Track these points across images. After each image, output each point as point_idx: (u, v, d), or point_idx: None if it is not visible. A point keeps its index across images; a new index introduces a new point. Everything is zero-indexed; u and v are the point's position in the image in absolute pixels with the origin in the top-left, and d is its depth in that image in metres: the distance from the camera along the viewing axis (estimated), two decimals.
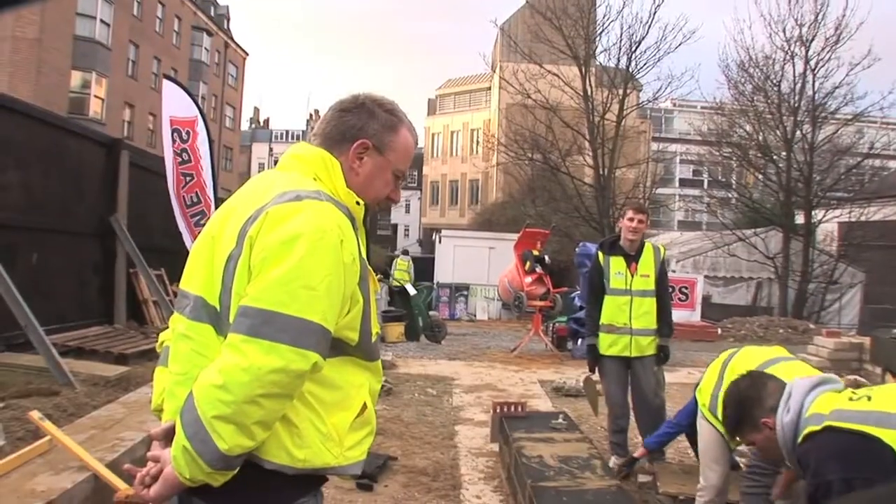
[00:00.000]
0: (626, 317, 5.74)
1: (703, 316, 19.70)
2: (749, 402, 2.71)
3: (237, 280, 1.70)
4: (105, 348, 8.48)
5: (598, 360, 5.92)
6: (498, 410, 5.88)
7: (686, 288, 19.56)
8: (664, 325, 5.88)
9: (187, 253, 1.90)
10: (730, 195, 26.54)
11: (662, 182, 39.70)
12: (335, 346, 1.75)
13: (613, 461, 5.80)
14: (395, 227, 61.34)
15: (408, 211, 60.65)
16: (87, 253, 10.03)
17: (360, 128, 1.94)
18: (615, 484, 4.25)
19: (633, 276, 5.78)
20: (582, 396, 8.45)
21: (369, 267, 1.91)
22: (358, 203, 1.90)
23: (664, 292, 5.92)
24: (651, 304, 5.79)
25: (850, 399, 2.40)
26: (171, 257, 11.77)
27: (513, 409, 5.81)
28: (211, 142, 12.79)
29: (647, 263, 5.81)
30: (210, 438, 1.59)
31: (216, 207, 12.17)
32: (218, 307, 1.74)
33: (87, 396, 6.44)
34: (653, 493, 5.27)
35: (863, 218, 22.65)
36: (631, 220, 5.77)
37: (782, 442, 2.51)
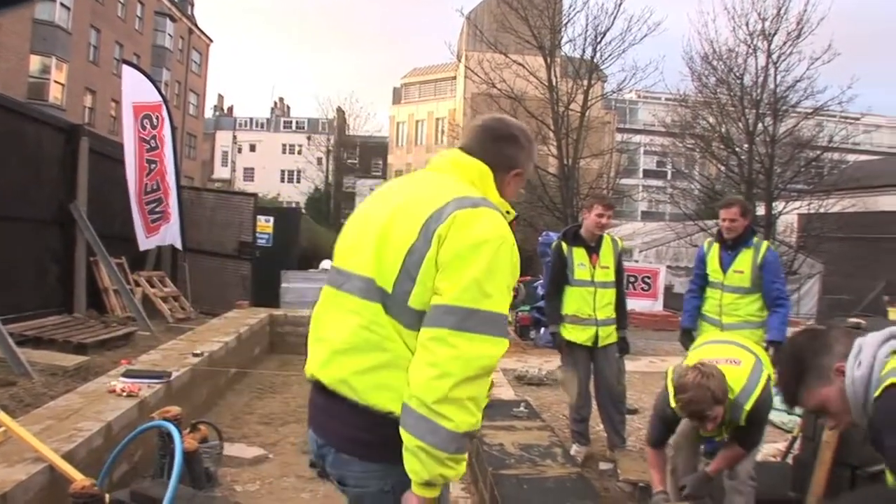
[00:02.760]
0: (591, 308, 5.77)
1: (666, 306, 19.85)
2: (813, 350, 2.31)
3: (423, 271, 1.97)
4: (64, 338, 8.37)
5: (563, 346, 5.94)
6: None
7: (648, 278, 19.68)
8: (622, 316, 5.95)
9: None
10: (693, 186, 26.77)
11: (626, 172, 40.00)
12: None
13: (575, 449, 5.85)
14: None
15: None
16: (45, 241, 9.88)
17: (515, 158, 2.26)
18: (575, 471, 4.29)
19: (595, 267, 5.82)
20: (545, 385, 8.52)
21: None
22: (507, 213, 2.17)
23: (621, 284, 6.00)
24: (612, 295, 5.85)
25: None
26: (132, 245, 11.66)
27: None
28: (174, 128, 12.69)
29: (606, 255, 5.85)
30: (437, 424, 1.87)
31: (178, 195, 12.13)
32: (390, 290, 2.00)
33: (45, 387, 6.36)
34: (613, 480, 5.33)
35: (822, 210, 22.99)
36: (601, 215, 5.77)
37: (853, 398, 2.19)
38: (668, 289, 21.30)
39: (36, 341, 8.23)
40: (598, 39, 22.03)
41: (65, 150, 10.19)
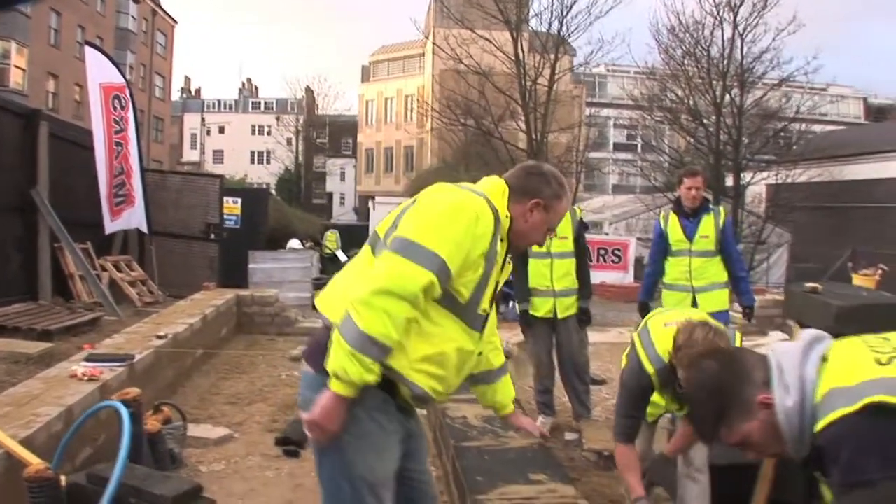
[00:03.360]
0: (548, 279, 5.80)
1: (636, 277, 19.98)
2: (733, 382, 1.98)
3: (402, 219, 2.34)
4: (28, 325, 8.31)
5: (530, 324, 5.98)
6: None
7: (619, 250, 19.83)
8: (584, 286, 5.93)
9: None
10: (661, 159, 26.93)
11: (596, 146, 40.07)
12: (448, 299, 2.32)
13: (541, 420, 5.88)
14: (330, 195, 60.87)
15: (343, 179, 60.24)
16: (6, 228, 9.78)
17: (537, 188, 2.50)
18: (537, 442, 4.32)
19: (551, 238, 5.81)
20: (514, 359, 8.56)
21: (498, 260, 2.46)
22: (506, 216, 2.45)
23: (582, 254, 5.97)
24: (570, 265, 5.85)
25: (879, 364, 1.80)
26: (98, 230, 11.55)
27: None
28: (136, 110, 12.56)
29: (564, 226, 5.78)
30: (352, 319, 2.17)
31: (141, 178, 12.02)
32: (381, 236, 2.39)
33: (7, 374, 6.32)
34: (578, 450, 5.38)
35: (789, 180, 23.23)
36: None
37: (787, 430, 1.87)
38: (639, 260, 21.41)
39: (0, 329, 8.16)
40: (565, 13, 22.07)
41: (24, 135, 10.05)
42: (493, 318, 2.69)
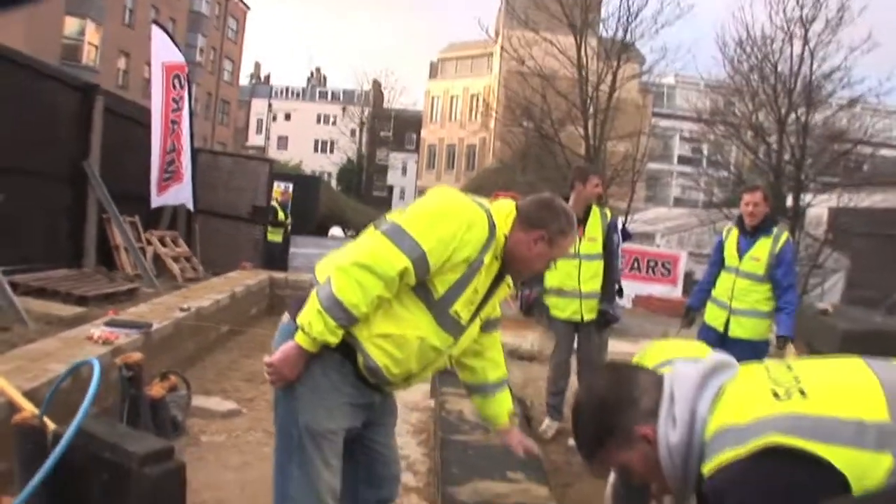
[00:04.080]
0: (575, 280, 5.74)
1: (685, 292, 19.70)
2: (616, 405, 1.81)
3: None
4: (67, 290, 8.54)
5: (554, 321, 5.95)
6: None
7: (669, 263, 19.56)
8: (607, 288, 5.85)
9: None
10: (726, 174, 26.47)
11: (661, 158, 39.57)
12: (423, 290, 2.45)
13: (546, 423, 5.89)
14: (390, 188, 61.34)
15: (404, 173, 60.58)
16: (57, 197, 10.06)
17: (543, 220, 2.60)
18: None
19: (580, 239, 5.78)
20: (536, 360, 8.58)
21: (510, 284, 2.74)
22: (504, 236, 2.55)
23: (611, 257, 5.88)
24: (598, 267, 5.78)
25: (776, 396, 1.63)
26: (147, 205, 11.84)
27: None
28: (192, 91, 12.85)
29: (594, 227, 5.78)
30: (328, 282, 2.35)
31: (191, 156, 12.29)
32: None
33: (38, 334, 6.51)
34: (579, 456, 5.35)
35: (851, 204, 22.64)
36: (597, 185, 5.78)
37: (669, 469, 1.72)
38: (689, 275, 21.14)
39: (40, 292, 8.41)
40: (630, 20, 21.87)
41: (80, 108, 10.35)
42: (496, 337, 2.92)
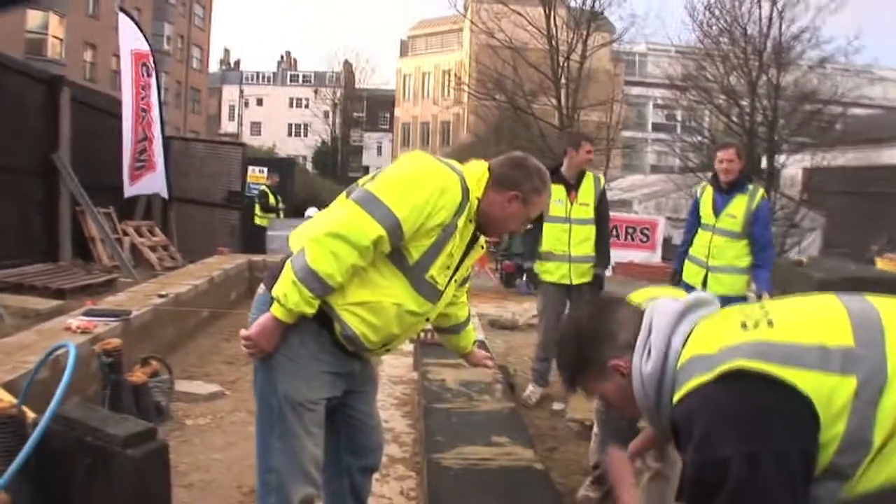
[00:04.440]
0: (565, 244, 5.76)
1: (664, 258, 19.79)
2: (593, 337, 1.88)
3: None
4: (44, 284, 8.49)
5: (536, 283, 5.97)
6: (419, 338, 6.02)
7: (647, 229, 19.62)
8: (601, 254, 5.89)
9: None
10: (698, 139, 26.56)
11: (635, 126, 39.63)
12: (398, 257, 2.43)
13: (530, 389, 5.93)
14: (366, 169, 60.90)
15: (379, 153, 60.41)
16: (28, 191, 9.98)
17: (516, 180, 2.59)
18: (508, 406, 4.37)
19: (572, 204, 5.80)
20: (519, 329, 8.63)
21: (484, 245, 2.78)
22: (476, 199, 2.53)
23: (603, 222, 5.91)
24: (590, 231, 5.81)
25: (744, 327, 1.66)
26: (122, 195, 11.75)
27: (429, 336, 5.92)
28: (160, 77, 12.73)
29: (586, 192, 5.80)
30: (302, 252, 2.33)
31: (163, 144, 12.19)
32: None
33: (15, 328, 6.48)
34: (564, 419, 5.40)
35: (825, 163, 22.80)
36: (589, 152, 5.80)
37: (642, 399, 1.78)
38: (667, 241, 21.24)
39: (17, 287, 8.35)
40: None
41: (46, 100, 10.23)
42: (463, 288, 2.93)
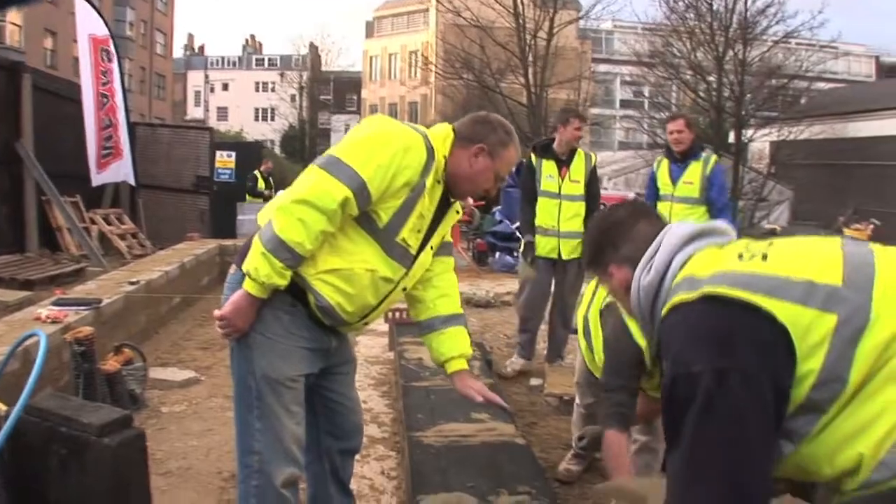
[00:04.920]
0: (555, 219, 5.78)
1: None
2: (605, 239, 2.05)
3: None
4: (11, 275, 8.37)
5: (531, 258, 5.93)
6: (391, 317, 5.99)
7: None
8: None
9: None
10: (668, 115, 26.62)
11: (603, 104, 39.74)
12: (366, 220, 2.39)
13: (511, 360, 5.96)
14: None
15: None
16: None
17: (481, 134, 2.55)
18: (487, 383, 4.35)
19: (563, 180, 5.81)
20: (493, 306, 8.64)
21: (459, 210, 2.70)
22: (443, 157, 2.49)
23: (592, 199, 5.88)
24: (580, 207, 5.80)
25: (740, 258, 1.71)
26: (88, 183, 11.58)
27: (404, 315, 5.91)
28: (122, 63, 12.52)
29: (578, 169, 5.80)
30: (270, 223, 2.28)
31: (128, 131, 12.01)
32: None
33: None
34: (542, 395, 5.41)
35: (791, 137, 23.04)
36: (578, 129, 5.80)
37: (637, 309, 1.89)
38: None
39: None
40: None
41: (7, 88, 10.02)
42: (448, 265, 2.81)
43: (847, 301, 1.55)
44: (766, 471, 1.53)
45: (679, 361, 1.60)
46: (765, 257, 1.67)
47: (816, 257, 1.67)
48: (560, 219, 5.77)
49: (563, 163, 5.79)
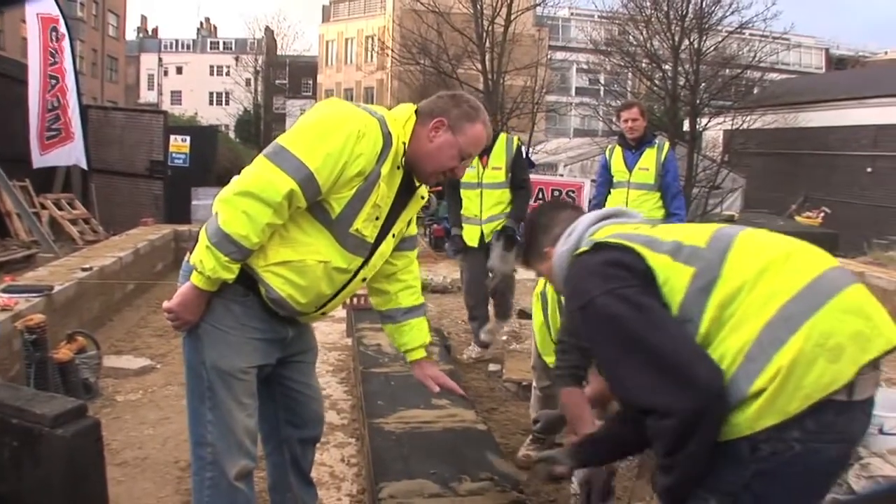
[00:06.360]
0: (478, 209, 5.78)
1: None
2: (538, 228, 2.40)
3: None
4: None
5: (463, 249, 5.93)
6: (349, 303, 5.98)
7: (572, 192, 19.75)
8: (515, 209, 5.77)
9: None
10: (621, 103, 26.80)
11: (559, 91, 39.83)
12: (319, 211, 2.29)
13: (470, 348, 5.99)
14: None
15: None
16: None
17: (441, 108, 2.44)
18: (447, 368, 4.35)
19: (484, 168, 5.77)
20: (449, 292, 8.66)
21: (424, 195, 2.60)
22: (402, 143, 2.38)
23: (517, 183, 5.83)
24: (502, 195, 5.78)
25: (635, 228, 2.11)
26: (39, 168, 11.33)
27: (362, 301, 5.89)
28: (73, 43, 12.24)
29: (498, 155, 5.74)
30: (214, 216, 2.21)
31: (80, 113, 11.76)
32: None
33: None
34: (500, 381, 5.44)
35: (745, 126, 23.38)
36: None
37: (558, 272, 2.21)
38: (592, 202, 21.54)
39: None
40: None
41: None
42: (410, 258, 2.77)
43: (705, 259, 1.88)
44: (683, 336, 1.81)
45: (579, 293, 1.98)
46: (653, 226, 2.13)
47: (693, 230, 2.03)
48: (482, 207, 5.77)
49: (484, 151, 5.56)
